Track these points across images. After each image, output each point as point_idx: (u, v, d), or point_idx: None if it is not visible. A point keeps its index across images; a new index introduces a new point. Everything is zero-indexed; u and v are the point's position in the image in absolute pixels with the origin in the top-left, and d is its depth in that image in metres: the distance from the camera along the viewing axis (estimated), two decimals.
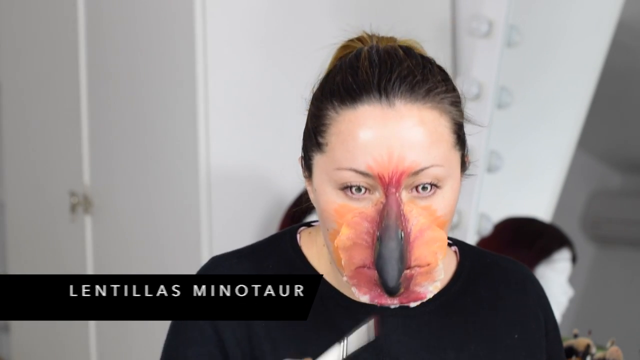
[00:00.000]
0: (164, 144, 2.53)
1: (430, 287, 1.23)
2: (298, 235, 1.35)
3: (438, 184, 1.21)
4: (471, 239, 2.48)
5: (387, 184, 1.19)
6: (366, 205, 1.21)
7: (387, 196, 1.20)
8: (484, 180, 2.52)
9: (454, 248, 1.38)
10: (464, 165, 1.27)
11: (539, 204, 2.75)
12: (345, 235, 1.22)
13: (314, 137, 1.24)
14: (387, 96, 1.20)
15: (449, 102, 1.23)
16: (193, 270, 1.36)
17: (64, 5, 2.86)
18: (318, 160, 1.24)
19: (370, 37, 1.31)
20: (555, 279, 2.42)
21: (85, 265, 2.83)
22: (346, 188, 1.21)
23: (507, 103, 2.56)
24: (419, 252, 1.21)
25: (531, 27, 2.63)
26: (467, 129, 1.28)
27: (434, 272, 1.23)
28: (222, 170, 2.42)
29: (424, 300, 1.24)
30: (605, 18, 2.73)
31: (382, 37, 1.31)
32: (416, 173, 1.20)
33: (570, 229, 2.91)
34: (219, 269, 1.32)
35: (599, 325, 2.22)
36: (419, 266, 1.22)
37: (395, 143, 1.18)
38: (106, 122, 2.74)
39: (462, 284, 1.34)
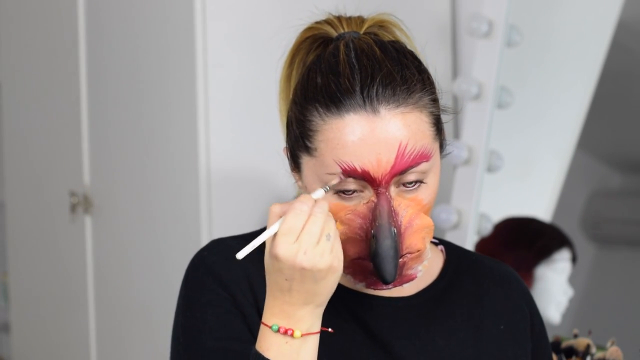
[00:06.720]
0: (163, 144, 2.53)
1: (419, 267, 1.32)
2: None
3: (423, 180, 1.29)
4: (471, 239, 2.48)
5: (378, 185, 1.26)
6: (357, 203, 1.28)
7: (377, 196, 1.27)
8: (484, 180, 2.52)
9: (440, 247, 1.46)
10: (442, 146, 1.34)
11: (539, 204, 2.75)
12: (339, 231, 1.28)
13: (301, 141, 1.30)
14: (371, 103, 1.25)
15: (427, 99, 1.29)
16: None
17: (64, 5, 2.86)
18: (307, 161, 1.30)
19: (338, 18, 1.38)
20: (555, 279, 2.42)
21: (85, 266, 2.83)
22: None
23: (507, 103, 2.56)
24: (410, 241, 1.29)
25: (531, 27, 2.63)
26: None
27: (422, 255, 1.31)
28: (222, 170, 2.42)
29: (414, 279, 1.32)
30: (605, 18, 2.73)
31: (350, 18, 1.38)
32: (403, 172, 1.27)
33: (570, 229, 2.91)
34: (224, 248, 1.35)
35: (599, 325, 2.22)
36: (410, 253, 1.30)
37: (383, 148, 1.25)
38: (106, 122, 2.74)
39: (449, 279, 1.42)
